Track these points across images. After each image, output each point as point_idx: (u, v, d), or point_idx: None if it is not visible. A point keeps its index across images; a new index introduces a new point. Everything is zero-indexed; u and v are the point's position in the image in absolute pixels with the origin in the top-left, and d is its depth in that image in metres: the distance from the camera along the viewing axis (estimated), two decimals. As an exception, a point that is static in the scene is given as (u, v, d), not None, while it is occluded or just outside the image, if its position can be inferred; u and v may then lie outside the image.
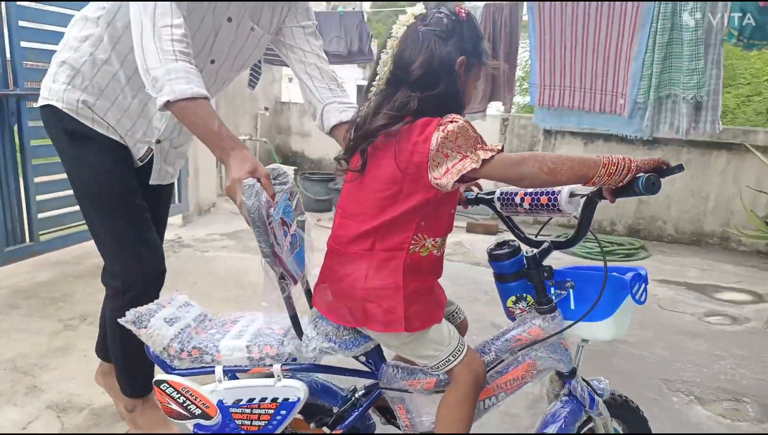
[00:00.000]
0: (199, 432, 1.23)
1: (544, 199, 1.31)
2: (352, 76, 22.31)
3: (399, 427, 1.37)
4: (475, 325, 2.84)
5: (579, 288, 1.32)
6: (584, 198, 1.28)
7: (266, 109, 6.79)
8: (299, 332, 1.26)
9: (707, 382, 2.33)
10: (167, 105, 1.24)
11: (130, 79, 1.52)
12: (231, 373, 1.22)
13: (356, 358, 1.31)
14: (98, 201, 1.57)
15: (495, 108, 4.94)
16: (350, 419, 1.31)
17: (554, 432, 1.31)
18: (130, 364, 1.68)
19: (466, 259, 4.08)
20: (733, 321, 3.06)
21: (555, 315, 1.30)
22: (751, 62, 5.79)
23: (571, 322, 1.29)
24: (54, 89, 1.52)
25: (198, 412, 1.20)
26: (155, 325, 1.22)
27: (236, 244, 4.25)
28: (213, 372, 1.21)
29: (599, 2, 3.85)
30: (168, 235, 4.34)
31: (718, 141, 4.57)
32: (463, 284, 3.48)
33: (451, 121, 1.08)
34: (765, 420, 2.06)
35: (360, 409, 1.32)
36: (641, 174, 1.08)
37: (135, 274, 1.59)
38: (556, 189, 1.28)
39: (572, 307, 1.34)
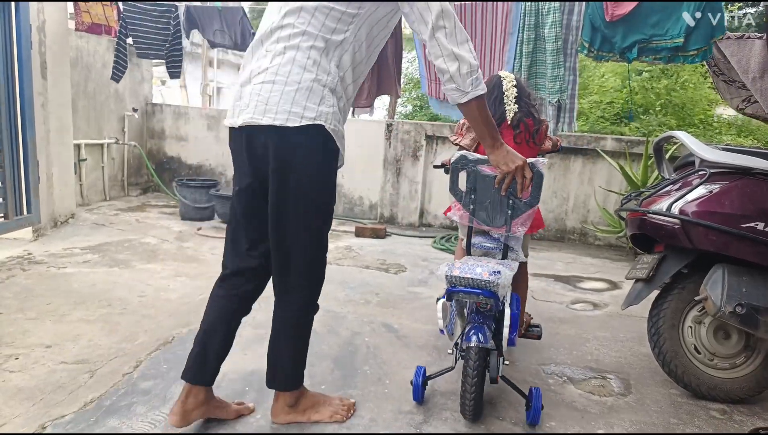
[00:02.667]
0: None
1: None
2: (233, 81, 21.47)
3: None
4: (368, 327, 2.83)
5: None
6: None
7: (135, 110, 6.24)
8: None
9: (577, 362, 2.55)
10: (468, 102, 1.63)
11: (350, 98, 1.71)
12: None
13: None
14: (325, 216, 1.72)
15: (380, 113, 5.09)
16: None
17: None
18: (304, 359, 1.90)
19: (355, 263, 4.07)
20: (595, 307, 3.40)
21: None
22: (601, 72, 6.59)
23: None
24: (323, 111, 1.57)
25: None
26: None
27: (101, 257, 3.81)
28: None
29: (474, 12, 4.12)
30: (15, 251, 3.79)
31: (575, 147, 5.09)
32: (354, 287, 3.46)
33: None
34: (627, 393, 2.29)
35: None
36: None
37: (322, 281, 1.84)
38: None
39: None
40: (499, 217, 1.98)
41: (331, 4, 1.53)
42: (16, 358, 2.27)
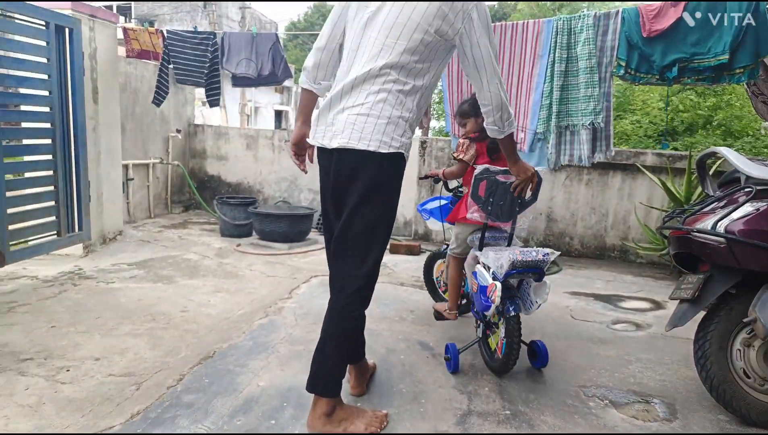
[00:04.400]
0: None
1: None
2: (270, 101, 22.07)
3: None
4: (403, 344, 2.83)
5: None
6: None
7: (178, 131, 6.49)
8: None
9: (619, 385, 2.47)
10: (504, 136, 2.11)
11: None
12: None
13: None
14: (389, 229, 1.99)
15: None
16: None
17: None
18: (345, 368, 2.07)
19: (390, 280, 4.09)
20: (637, 327, 3.30)
21: None
22: (643, 90, 6.45)
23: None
24: (404, 142, 1.90)
25: None
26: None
27: (146, 273, 3.96)
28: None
29: (504, 33, 4.10)
30: (66, 266, 3.98)
31: (613, 162, 4.99)
32: (389, 304, 3.48)
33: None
34: (672, 418, 2.21)
35: None
36: None
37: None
38: None
39: None
40: (509, 215, 2.51)
41: (419, 64, 1.90)
42: (68, 370, 2.38)
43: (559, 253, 2.55)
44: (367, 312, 3.28)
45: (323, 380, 1.96)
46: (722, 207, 2.19)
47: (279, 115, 23.08)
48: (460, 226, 2.77)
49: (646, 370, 2.66)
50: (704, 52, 3.42)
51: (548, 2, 12.27)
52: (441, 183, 3.12)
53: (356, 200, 1.89)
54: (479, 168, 2.45)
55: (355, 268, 1.93)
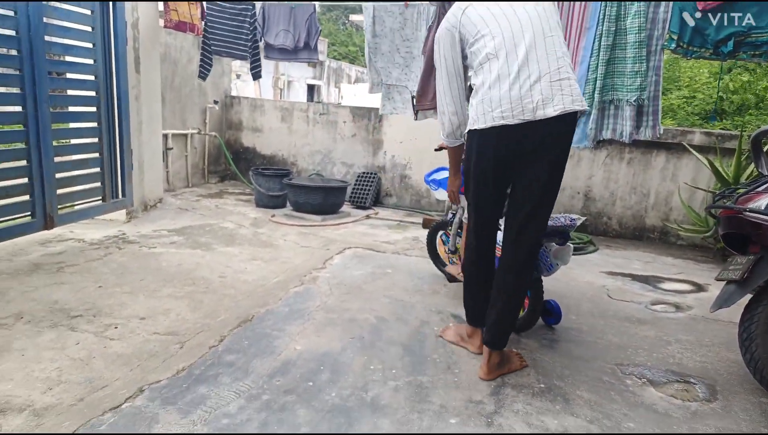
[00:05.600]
0: None
1: None
2: (303, 75, 22.08)
3: None
4: (436, 316, 2.85)
5: None
6: None
7: (216, 102, 6.57)
8: None
9: (657, 365, 2.43)
10: None
11: None
12: None
13: None
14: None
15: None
16: None
17: None
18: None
19: (423, 254, 4.08)
20: (677, 309, 3.22)
21: None
22: (691, 65, 6.16)
23: None
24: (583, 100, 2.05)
25: None
26: None
27: (185, 239, 4.07)
28: None
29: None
30: (110, 231, 4.13)
31: (657, 141, 4.81)
32: (423, 278, 3.49)
33: None
34: (713, 399, 2.16)
35: None
36: None
37: None
38: None
39: None
40: None
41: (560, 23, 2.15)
42: (115, 328, 2.49)
43: (585, 217, 2.70)
44: (400, 285, 3.32)
45: (501, 335, 2.20)
46: (778, 186, 2.10)
47: (311, 89, 23.08)
48: None
49: (685, 351, 2.60)
50: (763, 26, 3.22)
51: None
52: None
53: (559, 163, 2.06)
54: None
55: (543, 225, 2.14)
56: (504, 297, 2.17)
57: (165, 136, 5.58)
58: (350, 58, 26.49)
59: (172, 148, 5.83)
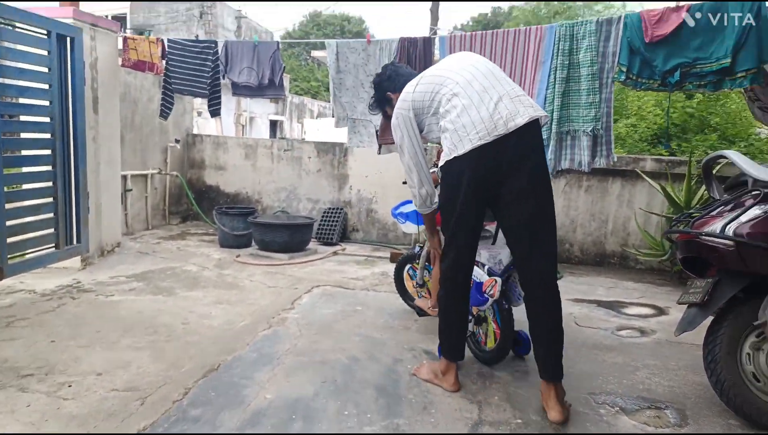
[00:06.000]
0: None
1: None
2: (265, 111, 22.08)
3: None
4: (409, 353, 2.81)
5: None
6: None
7: (177, 141, 6.47)
8: None
9: (628, 392, 2.46)
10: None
11: None
12: None
13: None
14: None
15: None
16: None
17: None
18: None
19: (392, 289, 4.03)
20: (642, 333, 3.29)
21: None
22: (639, 95, 6.48)
23: None
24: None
25: None
26: None
27: (145, 285, 3.92)
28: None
29: (506, 39, 4.12)
30: (65, 279, 3.94)
31: (612, 168, 5.00)
32: (393, 313, 3.45)
33: None
34: (683, 424, 2.19)
35: None
36: None
37: None
38: None
39: None
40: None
41: None
42: (69, 386, 2.34)
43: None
44: (370, 322, 3.28)
45: (561, 365, 2.20)
46: (730, 210, 2.19)
47: (274, 124, 23.09)
48: None
49: (653, 376, 2.64)
50: (706, 56, 3.41)
51: (542, 10, 12.35)
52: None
53: (539, 168, 2.18)
54: None
55: (554, 236, 2.22)
56: (555, 317, 2.20)
57: (124, 177, 5.43)
58: (312, 93, 26.75)
59: (131, 190, 5.68)
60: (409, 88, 2.42)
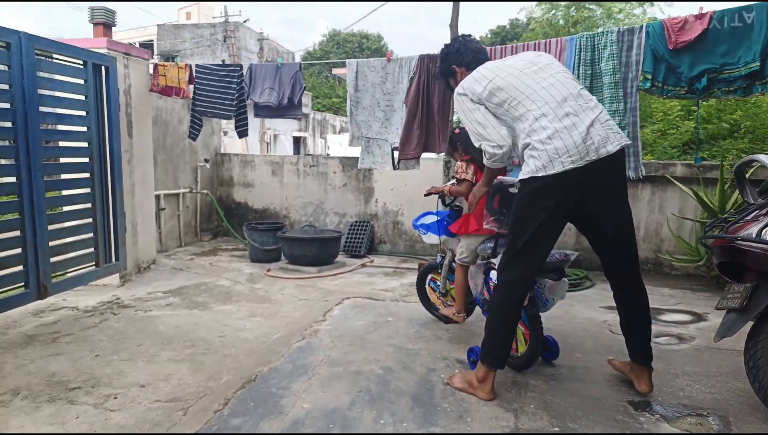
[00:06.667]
0: None
1: None
2: (289, 128, 22.46)
3: None
4: (442, 363, 2.82)
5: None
6: None
7: (206, 161, 6.65)
8: None
9: (668, 399, 2.41)
10: None
11: None
12: None
13: None
14: None
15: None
16: None
17: None
18: None
19: (421, 300, 4.07)
20: (680, 340, 3.22)
21: None
22: (664, 101, 6.41)
23: None
24: None
25: None
26: None
27: (181, 300, 4.02)
28: None
29: (528, 47, 4.13)
30: (105, 296, 4.08)
31: (642, 174, 4.93)
32: (424, 324, 3.46)
33: None
34: (727, 431, 2.14)
35: None
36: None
37: None
38: None
39: None
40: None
41: None
42: (115, 398, 2.42)
43: (578, 252, 2.74)
44: (402, 332, 3.30)
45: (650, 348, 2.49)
46: (765, 214, 2.16)
47: (297, 141, 23.46)
48: (471, 238, 2.98)
49: (694, 383, 2.59)
50: (734, 62, 3.34)
51: (561, 21, 12.28)
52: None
53: (624, 190, 2.42)
54: (494, 182, 2.65)
55: (636, 247, 2.49)
56: (644, 313, 2.46)
57: (157, 196, 5.61)
58: (334, 110, 27.12)
59: (164, 209, 5.85)
60: (486, 74, 2.40)
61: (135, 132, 4.64)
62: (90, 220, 4.05)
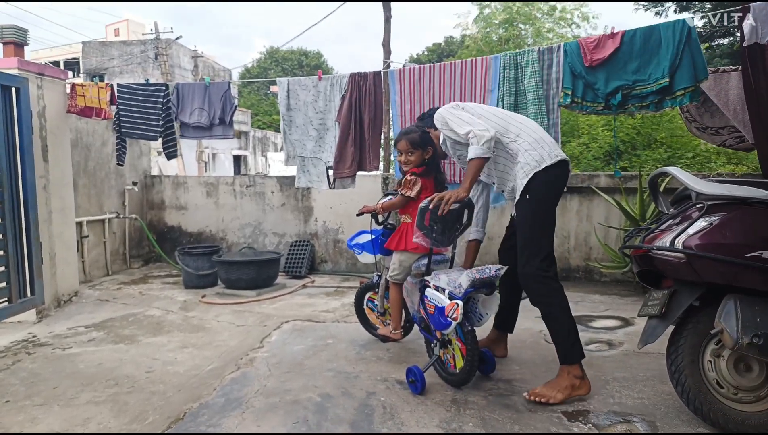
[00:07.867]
0: None
1: None
2: (228, 147, 21.94)
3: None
4: (382, 385, 2.77)
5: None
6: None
7: (134, 184, 6.34)
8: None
9: (600, 407, 2.48)
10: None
11: None
12: None
13: None
14: None
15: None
16: None
17: None
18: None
19: (362, 320, 4.02)
20: (609, 346, 3.35)
21: None
22: (588, 117, 6.76)
23: None
24: None
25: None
26: None
27: (106, 334, 3.76)
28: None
29: (453, 71, 4.23)
30: (19, 334, 3.75)
31: (569, 185, 5.15)
32: (364, 345, 3.41)
33: None
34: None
35: None
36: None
37: None
38: None
39: None
40: (449, 240, 2.80)
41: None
42: (25, 449, 2.21)
43: (507, 266, 2.70)
44: (342, 355, 3.23)
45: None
46: (678, 223, 2.28)
47: (238, 159, 22.93)
48: (405, 254, 2.96)
49: (623, 388, 2.68)
50: (645, 78, 3.58)
51: (494, 38, 12.83)
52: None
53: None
54: (426, 201, 2.67)
55: None
56: (520, 292, 3.11)
57: (79, 223, 5.27)
58: (275, 127, 26.79)
59: (87, 236, 5.50)
60: (454, 109, 2.78)
61: (51, 156, 4.35)
62: (1, 252, 3.72)
